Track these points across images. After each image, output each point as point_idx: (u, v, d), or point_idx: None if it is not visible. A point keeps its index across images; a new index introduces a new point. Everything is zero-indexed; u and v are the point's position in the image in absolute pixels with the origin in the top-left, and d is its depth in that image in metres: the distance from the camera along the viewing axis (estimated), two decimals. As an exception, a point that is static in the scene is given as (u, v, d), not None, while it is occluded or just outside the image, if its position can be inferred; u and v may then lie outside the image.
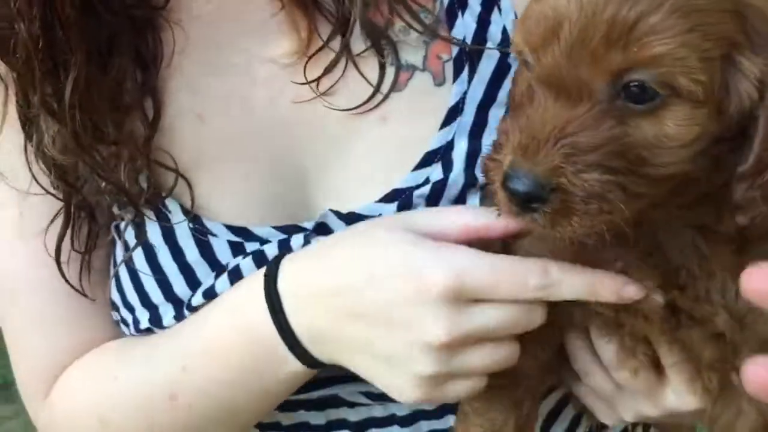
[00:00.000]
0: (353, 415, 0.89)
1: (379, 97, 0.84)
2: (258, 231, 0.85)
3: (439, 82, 0.86)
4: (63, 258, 0.87)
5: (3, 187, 0.87)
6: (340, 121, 0.85)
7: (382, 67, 0.84)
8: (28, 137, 0.84)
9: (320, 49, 0.84)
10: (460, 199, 0.83)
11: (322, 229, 0.84)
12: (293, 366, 0.78)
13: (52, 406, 0.91)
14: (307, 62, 0.84)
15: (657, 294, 0.71)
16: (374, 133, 0.85)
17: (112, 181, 0.84)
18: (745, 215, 0.64)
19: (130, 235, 0.88)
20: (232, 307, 0.81)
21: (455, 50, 0.86)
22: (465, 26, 0.86)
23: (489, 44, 0.85)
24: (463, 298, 0.71)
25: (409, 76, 0.85)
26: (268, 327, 0.77)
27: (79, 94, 0.79)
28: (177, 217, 0.86)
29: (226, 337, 0.81)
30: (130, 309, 0.88)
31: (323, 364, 0.78)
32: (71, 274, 0.88)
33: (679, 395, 0.78)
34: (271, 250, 0.83)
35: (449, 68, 0.86)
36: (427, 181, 0.83)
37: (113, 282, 0.89)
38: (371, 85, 0.84)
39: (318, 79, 0.84)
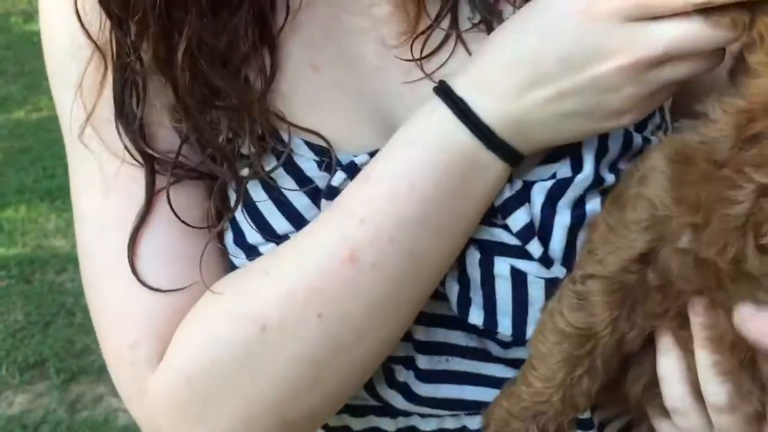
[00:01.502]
0: (424, 425, 0.85)
1: None
2: None
3: None
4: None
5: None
6: None
7: None
8: (117, 106, 0.79)
9: (432, 28, 0.80)
10: (579, 199, 0.78)
11: None
12: (490, 167, 0.73)
13: (173, 356, 0.78)
14: (413, 41, 0.80)
15: None
16: None
17: (215, 146, 0.79)
18: None
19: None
20: (408, 140, 0.74)
21: None
22: None
23: None
24: (633, 17, 0.68)
25: None
26: (460, 132, 0.72)
27: (190, 55, 0.76)
28: (302, 151, 0.81)
29: (409, 168, 0.73)
30: (250, 250, 0.81)
31: (521, 156, 0.74)
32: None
33: None
34: None
35: None
36: (553, 176, 0.78)
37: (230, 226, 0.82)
38: None
39: (428, 56, 0.80)
